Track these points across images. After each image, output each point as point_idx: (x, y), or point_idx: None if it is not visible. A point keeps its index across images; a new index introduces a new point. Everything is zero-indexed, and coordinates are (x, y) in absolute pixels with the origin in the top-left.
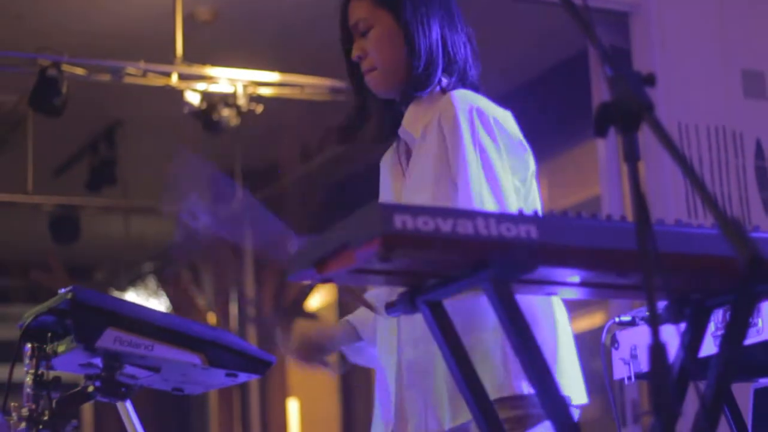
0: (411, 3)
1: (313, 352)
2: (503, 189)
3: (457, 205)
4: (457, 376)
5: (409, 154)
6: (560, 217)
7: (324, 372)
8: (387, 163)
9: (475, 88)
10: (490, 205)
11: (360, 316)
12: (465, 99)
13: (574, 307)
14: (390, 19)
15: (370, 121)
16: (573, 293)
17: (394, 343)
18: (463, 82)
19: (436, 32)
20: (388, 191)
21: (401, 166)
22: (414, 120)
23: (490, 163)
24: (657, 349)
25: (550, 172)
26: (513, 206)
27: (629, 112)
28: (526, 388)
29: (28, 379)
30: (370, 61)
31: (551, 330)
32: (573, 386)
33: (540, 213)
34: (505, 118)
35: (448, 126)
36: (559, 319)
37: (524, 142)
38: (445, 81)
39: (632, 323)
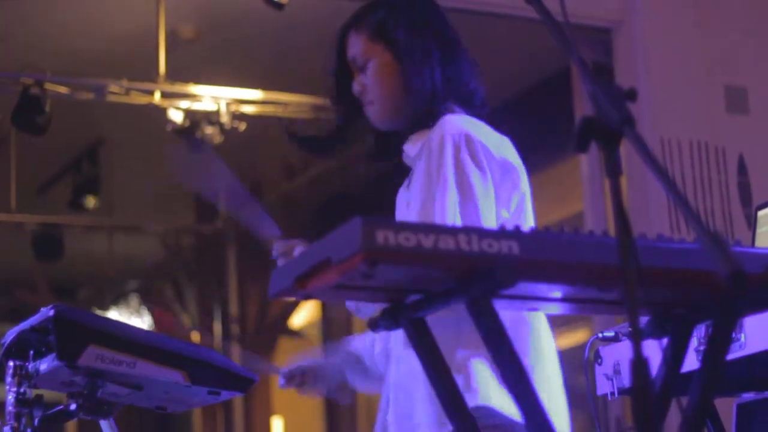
0: (406, 38)
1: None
2: (481, 216)
3: None
4: (440, 393)
5: (410, 177)
6: (542, 233)
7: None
8: (399, 196)
9: (478, 111)
10: None
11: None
12: (455, 124)
13: (557, 323)
14: (387, 52)
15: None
16: (555, 309)
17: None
18: (468, 106)
19: (434, 65)
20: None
21: (407, 188)
22: (413, 146)
23: (472, 189)
24: (639, 364)
25: (533, 188)
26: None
27: (611, 126)
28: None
29: (11, 398)
30: (370, 96)
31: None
32: (558, 417)
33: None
34: (499, 145)
35: (435, 152)
36: (544, 345)
37: (520, 168)
38: (448, 107)
39: (615, 339)
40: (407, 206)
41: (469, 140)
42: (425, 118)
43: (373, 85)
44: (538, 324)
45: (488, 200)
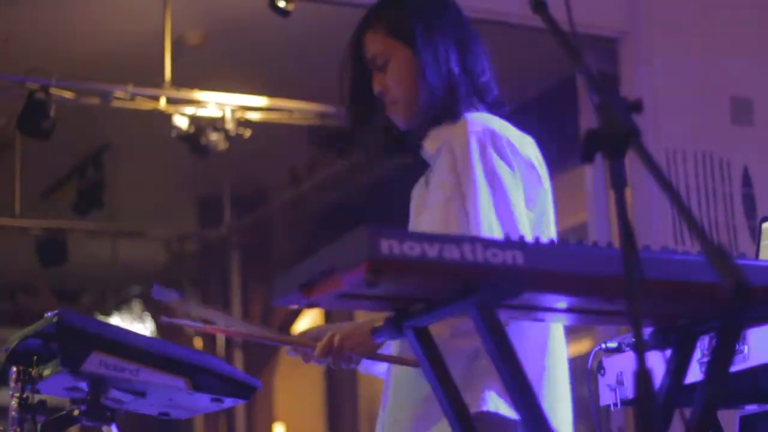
0: (423, 33)
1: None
2: (516, 213)
3: (467, 231)
4: (443, 402)
5: (427, 176)
6: (546, 243)
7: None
8: (415, 192)
9: (496, 109)
10: (498, 232)
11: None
12: (479, 122)
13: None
14: (406, 50)
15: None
16: (559, 319)
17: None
18: (483, 104)
19: (453, 60)
20: (412, 220)
21: (426, 186)
22: (432, 142)
23: (503, 188)
24: (642, 375)
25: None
26: (525, 231)
27: (616, 138)
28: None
29: (14, 403)
30: (392, 96)
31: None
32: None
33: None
34: (522, 142)
35: (459, 150)
36: (558, 349)
37: (541, 168)
38: (466, 105)
39: (619, 350)
40: (423, 204)
41: (494, 137)
42: (444, 115)
43: (396, 84)
44: (555, 328)
45: (519, 193)
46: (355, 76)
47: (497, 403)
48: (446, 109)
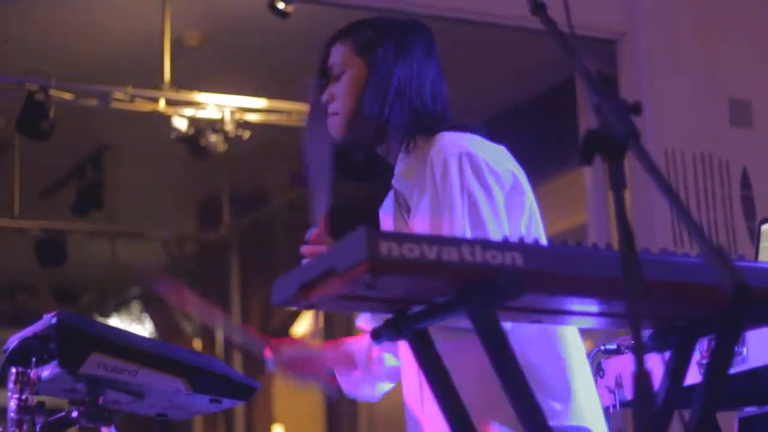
0: (385, 55)
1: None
2: (490, 235)
3: None
4: (440, 403)
5: (406, 203)
6: (545, 245)
7: (311, 389)
8: (386, 212)
9: (464, 128)
10: None
11: (357, 342)
12: (455, 143)
13: None
14: (363, 68)
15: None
16: (558, 321)
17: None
18: (441, 126)
19: (404, 88)
20: None
21: (402, 215)
22: (407, 167)
23: (478, 210)
24: (641, 377)
25: (536, 199)
26: None
27: (615, 140)
28: None
29: (12, 404)
30: (335, 107)
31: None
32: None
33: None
34: (497, 157)
35: (439, 170)
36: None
37: (519, 175)
38: (401, 131)
39: (618, 351)
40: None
41: (471, 158)
42: (375, 137)
43: (341, 96)
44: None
45: (494, 220)
46: (321, 79)
47: None
48: (377, 133)
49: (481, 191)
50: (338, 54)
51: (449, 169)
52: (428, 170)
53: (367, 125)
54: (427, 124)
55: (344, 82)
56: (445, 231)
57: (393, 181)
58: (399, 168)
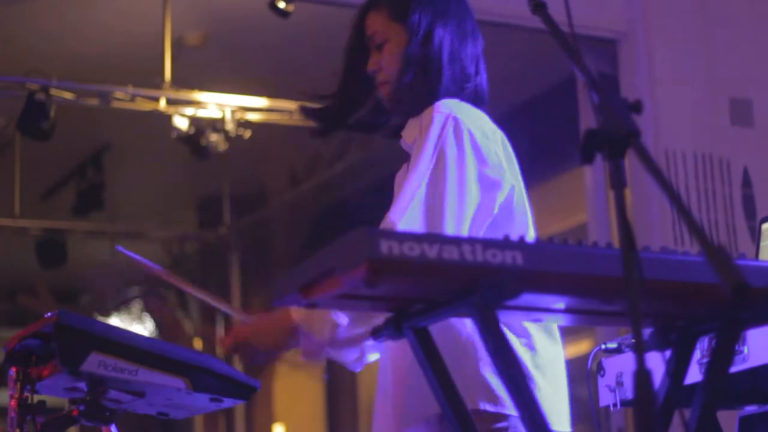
0: (422, 17)
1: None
2: (447, 203)
3: (401, 213)
4: (441, 401)
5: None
6: (546, 244)
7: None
8: (397, 178)
9: (474, 101)
10: (417, 221)
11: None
12: (447, 106)
13: (560, 334)
14: (404, 33)
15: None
16: (559, 320)
17: None
18: (461, 94)
19: (445, 48)
20: None
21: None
22: (410, 132)
23: (444, 170)
24: (642, 376)
25: (537, 198)
26: (460, 218)
27: (616, 139)
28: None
29: (13, 403)
30: (383, 75)
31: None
32: (555, 414)
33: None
34: (487, 136)
35: (424, 128)
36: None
37: (509, 161)
38: (445, 91)
39: (618, 350)
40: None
41: (456, 123)
42: (424, 98)
43: (389, 64)
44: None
45: (460, 186)
46: (353, 54)
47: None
48: (425, 92)
49: (454, 155)
50: (376, 23)
51: (431, 127)
52: (418, 132)
53: (414, 91)
54: (455, 90)
55: (388, 51)
56: (410, 186)
57: (400, 142)
58: (406, 129)
